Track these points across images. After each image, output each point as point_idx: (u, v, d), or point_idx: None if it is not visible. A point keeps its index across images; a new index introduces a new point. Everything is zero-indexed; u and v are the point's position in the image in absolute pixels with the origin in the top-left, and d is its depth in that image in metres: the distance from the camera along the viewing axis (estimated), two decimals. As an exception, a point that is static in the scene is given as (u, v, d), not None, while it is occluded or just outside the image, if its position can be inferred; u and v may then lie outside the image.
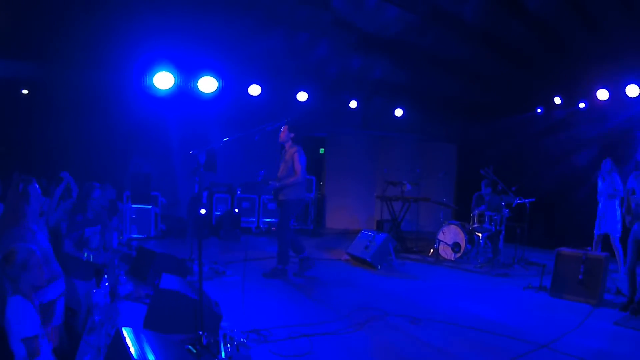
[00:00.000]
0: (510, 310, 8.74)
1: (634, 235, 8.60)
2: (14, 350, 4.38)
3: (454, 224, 13.47)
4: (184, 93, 13.66)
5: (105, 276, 6.57)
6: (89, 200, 7.82)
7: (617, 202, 11.21)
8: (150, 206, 14.59)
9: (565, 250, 9.61)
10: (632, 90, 13.20)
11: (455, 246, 13.18)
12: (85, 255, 7.40)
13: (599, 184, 11.67)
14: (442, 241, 13.45)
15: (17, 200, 5.85)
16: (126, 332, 4.20)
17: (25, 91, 14.60)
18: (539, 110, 16.43)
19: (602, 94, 14.04)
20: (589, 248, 9.65)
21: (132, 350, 3.93)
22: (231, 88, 14.16)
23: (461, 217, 15.63)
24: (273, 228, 17.08)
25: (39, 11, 11.24)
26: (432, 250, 13.74)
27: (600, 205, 11.63)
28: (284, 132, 10.52)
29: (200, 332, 5.59)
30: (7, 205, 5.94)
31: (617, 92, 13.63)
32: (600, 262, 9.10)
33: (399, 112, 17.46)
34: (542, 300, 9.43)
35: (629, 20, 11.58)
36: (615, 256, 11.18)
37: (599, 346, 6.94)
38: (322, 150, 20.03)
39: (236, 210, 16.14)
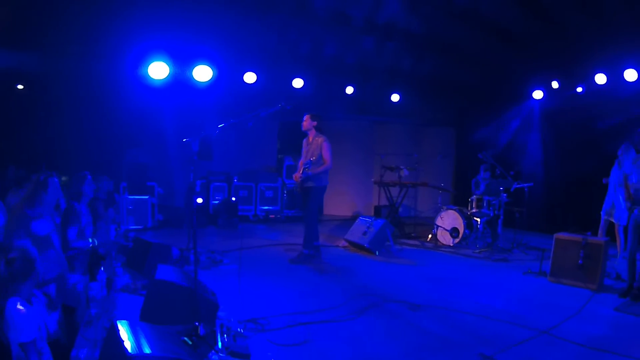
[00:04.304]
0: (510, 296, 8.72)
1: (634, 222, 8.56)
2: (13, 353, 4.35)
3: (452, 209, 13.44)
4: (179, 82, 13.61)
5: (102, 269, 6.57)
6: (83, 188, 7.80)
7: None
8: (147, 197, 14.51)
9: (564, 235, 9.60)
10: (630, 75, 13.12)
11: (454, 231, 13.17)
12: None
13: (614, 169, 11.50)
14: (441, 226, 13.44)
15: (36, 188, 6.25)
16: (121, 326, 4.18)
17: (20, 86, 14.55)
18: (537, 94, 16.29)
19: (600, 79, 13.94)
20: (588, 233, 9.57)
21: (127, 344, 3.91)
22: (226, 76, 14.12)
23: (459, 202, 15.65)
24: (271, 216, 17.09)
25: (32, 1, 11.18)
26: (430, 236, 13.75)
27: (610, 191, 11.50)
28: (306, 121, 10.95)
29: (197, 323, 5.57)
30: (27, 191, 6.28)
31: (615, 77, 13.53)
32: (600, 247, 9.08)
33: (395, 97, 17.40)
34: (542, 286, 9.44)
35: (628, 4, 11.51)
36: (617, 242, 11.15)
37: (599, 332, 6.92)
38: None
39: (233, 199, 16.10)
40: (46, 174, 6.36)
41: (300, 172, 10.65)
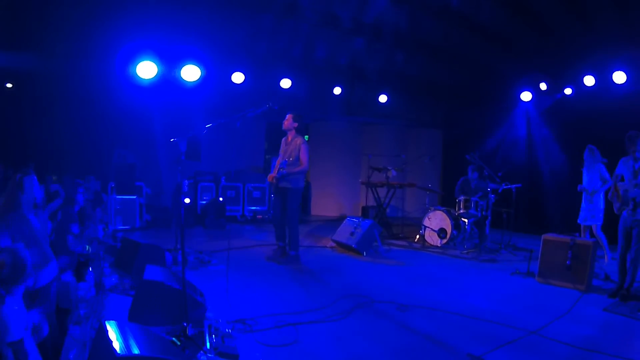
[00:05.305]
0: (498, 296, 8.74)
1: (624, 223, 8.59)
2: (6, 354, 4.35)
3: (440, 210, 13.46)
4: (167, 82, 13.55)
5: (90, 269, 6.56)
6: (77, 197, 7.85)
7: (602, 193, 11.10)
8: (134, 197, 14.44)
9: (552, 236, 9.64)
10: (618, 77, 13.17)
11: (442, 232, 13.19)
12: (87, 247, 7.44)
13: (584, 174, 11.56)
14: (428, 227, 13.45)
15: (14, 190, 6.17)
16: (110, 326, 4.18)
17: (9, 85, 14.49)
18: (525, 96, 16.29)
19: (589, 80, 13.97)
20: (576, 234, 9.63)
21: (116, 344, 3.91)
22: (214, 76, 14.09)
23: (447, 203, 15.64)
24: (258, 216, 17.07)
25: (21, 1, 11.13)
26: (418, 236, 13.76)
27: (584, 196, 11.54)
28: (288, 121, 10.92)
29: (185, 324, 5.57)
30: (6, 194, 6.21)
31: (604, 79, 13.57)
32: (588, 247, 9.12)
33: (383, 98, 17.42)
34: (530, 286, 9.45)
35: (616, 6, 11.55)
36: (600, 243, 11.19)
37: (588, 333, 6.94)
38: (306, 137, 19.92)
39: (221, 199, 16.09)
40: (22, 172, 6.33)
41: (276, 172, 10.67)
